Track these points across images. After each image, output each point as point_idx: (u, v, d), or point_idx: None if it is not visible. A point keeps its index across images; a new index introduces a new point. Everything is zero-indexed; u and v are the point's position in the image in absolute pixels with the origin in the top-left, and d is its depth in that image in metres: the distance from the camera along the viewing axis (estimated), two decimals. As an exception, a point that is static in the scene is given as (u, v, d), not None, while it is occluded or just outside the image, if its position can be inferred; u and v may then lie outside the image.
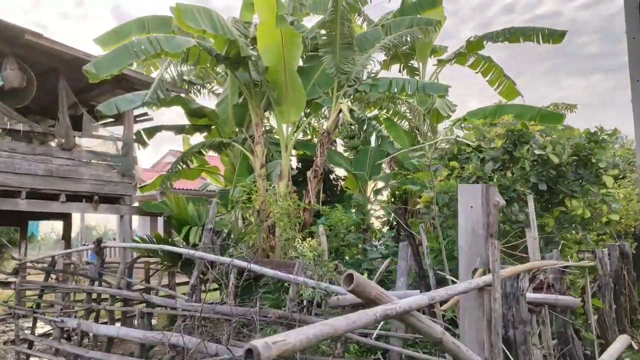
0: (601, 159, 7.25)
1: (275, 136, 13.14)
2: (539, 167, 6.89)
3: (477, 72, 16.42)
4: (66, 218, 15.49)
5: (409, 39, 11.22)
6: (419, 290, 5.29)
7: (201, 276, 11.11)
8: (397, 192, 12.83)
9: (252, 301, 7.89)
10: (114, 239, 29.05)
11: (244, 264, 6.28)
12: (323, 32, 10.62)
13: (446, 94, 10.51)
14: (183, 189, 19.87)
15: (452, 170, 7.59)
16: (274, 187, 11.13)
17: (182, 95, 13.11)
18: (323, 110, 12.13)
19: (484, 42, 15.74)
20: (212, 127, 14.00)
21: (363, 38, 11.17)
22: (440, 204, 7.18)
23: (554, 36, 15.15)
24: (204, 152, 13.31)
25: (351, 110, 10.17)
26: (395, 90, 10.56)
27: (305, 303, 6.07)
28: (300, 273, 6.20)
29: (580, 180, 7.23)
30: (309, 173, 11.17)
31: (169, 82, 12.00)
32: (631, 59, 8.90)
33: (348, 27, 10.36)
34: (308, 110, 11.84)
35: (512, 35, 15.45)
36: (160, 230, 23.00)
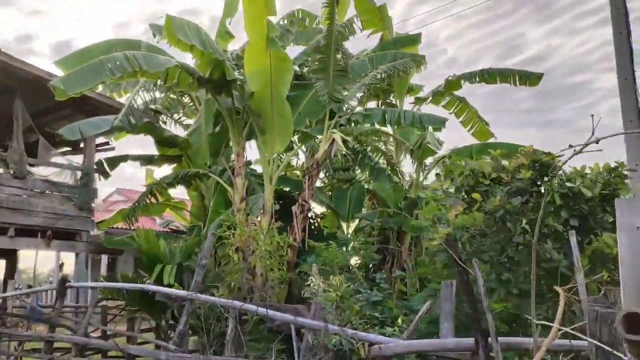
0: (627, 194, 6.83)
1: (254, 167, 12.29)
2: (570, 200, 6.34)
3: (451, 113, 16.22)
4: (11, 256, 13.89)
5: (400, 69, 10.76)
6: (473, 339, 4.51)
7: (172, 321, 9.96)
8: (373, 232, 12.14)
9: (243, 350, 6.89)
10: (51, 282, 26.89)
11: (253, 307, 5.32)
12: (317, 56, 9.99)
13: (443, 126, 10.04)
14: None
15: (470, 203, 6.96)
16: (253, 222, 10.19)
17: (151, 121, 12.07)
18: (300, 144, 11.41)
19: (462, 82, 15.60)
20: (182, 158, 12.98)
21: (350, 68, 10.62)
22: (462, 240, 6.51)
23: (531, 78, 15.15)
24: (173, 184, 12.22)
25: (344, 141, 9.49)
26: (390, 122, 10.00)
27: (322, 354, 5.16)
28: (318, 317, 5.31)
29: (608, 216, 6.73)
30: (294, 208, 10.32)
31: (141, 107, 11.02)
32: (622, 98, 8.56)
33: (342, 54, 9.80)
34: (295, 139, 11.06)
35: (489, 76, 15.36)
36: (103, 270, 21.47)
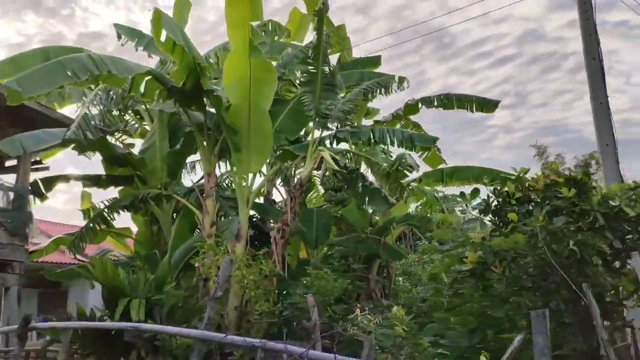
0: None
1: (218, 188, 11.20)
2: (613, 221, 5.98)
3: (404, 138, 15.98)
4: None
5: (383, 86, 10.28)
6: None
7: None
8: (342, 260, 11.41)
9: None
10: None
11: (298, 349, 4.37)
12: (305, 67, 9.25)
13: (434, 145, 9.59)
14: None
15: (502, 225, 6.44)
16: (225, 248, 9.14)
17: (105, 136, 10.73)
18: (279, 162, 10.50)
19: (419, 106, 15.43)
20: (133, 178, 11.64)
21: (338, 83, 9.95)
22: (501, 264, 5.94)
23: (488, 106, 15.23)
24: (128, 208, 10.84)
25: (334, 160, 8.75)
26: (379, 140, 9.42)
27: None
28: (371, 357, 4.46)
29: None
30: (273, 233, 9.37)
31: (96, 119, 9.71)
32: (597, 123, 8.47)
33: (329, 66, 9.14)
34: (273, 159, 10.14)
35: (448, 101, 15.30)
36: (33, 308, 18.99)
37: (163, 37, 7.71)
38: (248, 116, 9.29)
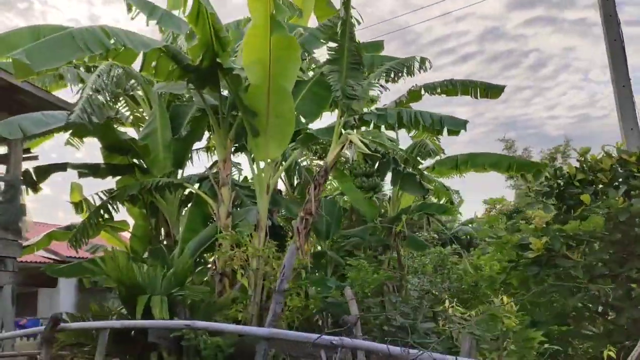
0: None
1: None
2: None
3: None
4: None
5: (406, 66, 9.79)
6: None
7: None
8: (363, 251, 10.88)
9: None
10: None
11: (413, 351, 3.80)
12: (332, 45, 8.64)
13: (464, 129, 9.12)
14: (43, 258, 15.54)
15: (561, 208, 6.01)
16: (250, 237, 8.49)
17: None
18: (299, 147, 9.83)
19: (422, 93, 14.99)
20: (134, 167, 10.84)
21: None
22: (577, 250, 5.49)
23: (493, 90, 14.85)
24: (135, 199, 10.06)
25: (364, 144, 8.18)
26: (408, 123, 8.90)
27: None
28: (474, 354, 3.95)
29: None
30: (295, 223, 8.78)
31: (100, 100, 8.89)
32: (621, 106, 8.08)
33: (356, 45, 8.56)
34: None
35: (452, 86, 14.88)
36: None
37: (190, 5, 7.00)
38: (267, 98, 8.65)
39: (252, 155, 9.10)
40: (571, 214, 6.01)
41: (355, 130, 8.73)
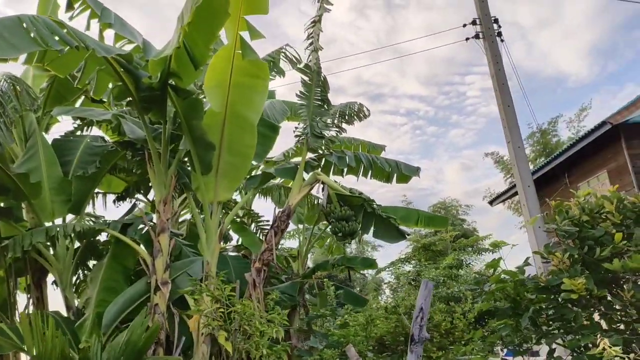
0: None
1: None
2: None
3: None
4: None
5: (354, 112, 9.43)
6: None
7: None
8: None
9: None
10: None
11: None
12: (303, 78, 7.82)
13: (418, 174, 8.94)
14: None
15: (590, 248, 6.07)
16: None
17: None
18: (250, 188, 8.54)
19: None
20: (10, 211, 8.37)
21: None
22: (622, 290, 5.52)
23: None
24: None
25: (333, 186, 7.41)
26: (367, 167, 8.44)
27: None
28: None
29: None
30: (249, 275, 7.53)
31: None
32: (519, 166, 9.20)
33: (323, 79, 7.95)
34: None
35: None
36: None
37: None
38: (222, 129, 7.51)
39: (199, 196, 7.69)
40: (593, 254, 6.09)
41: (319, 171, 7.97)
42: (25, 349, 5.62)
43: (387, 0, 54.20)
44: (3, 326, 6.23)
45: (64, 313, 8.24)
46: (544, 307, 6.17)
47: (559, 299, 5.93)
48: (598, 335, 5.57)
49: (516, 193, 18.08)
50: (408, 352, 4.16)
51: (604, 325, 5.75)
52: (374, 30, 54.30)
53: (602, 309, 5.76)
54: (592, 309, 5.81)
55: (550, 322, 6.13)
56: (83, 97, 9.60)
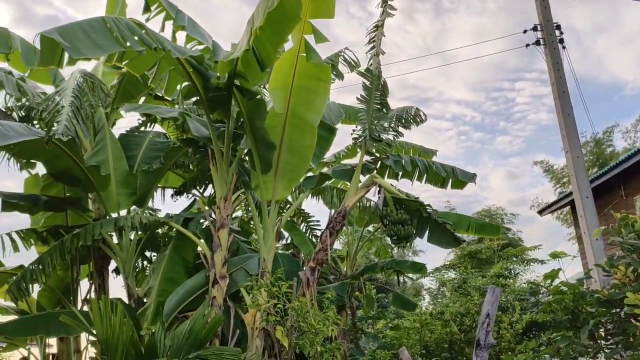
0: None
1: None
2: None
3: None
4: None
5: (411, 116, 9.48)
6: None
7: None
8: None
9: None
10: None
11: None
12: (364, 82, 7.96)
13: (474, 181, 8.94)
14: None
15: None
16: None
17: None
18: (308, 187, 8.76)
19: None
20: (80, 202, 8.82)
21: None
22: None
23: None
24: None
25: (389, 189, 7.51)
26: (422, 172, 8.49)
27: None
28: None
29: None
30: (303, 274, 7.69)
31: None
32: (577, 176, 8.91)
33: (383, 83, 8.06)
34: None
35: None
36: None
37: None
38: (282, 130, 7.71)
39: (257, 194, 7.91)
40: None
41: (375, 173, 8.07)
42: (94, 333, 5.95)
43: (436, 4, 53.73)
44: (75, 310, 6.59)
45: (125, 300, 8.62)
46: (603, 320, 6.12)
47: (621, 314, 5.86)
48: (661, 352, 5.48)
49: (567, 204, 17.75)
50: (473, 357, 4.21)
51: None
52: (421, 34, 53.90)
53: (666, 326, 5.66)
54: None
55: (608, 337, 6.07)
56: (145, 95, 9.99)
